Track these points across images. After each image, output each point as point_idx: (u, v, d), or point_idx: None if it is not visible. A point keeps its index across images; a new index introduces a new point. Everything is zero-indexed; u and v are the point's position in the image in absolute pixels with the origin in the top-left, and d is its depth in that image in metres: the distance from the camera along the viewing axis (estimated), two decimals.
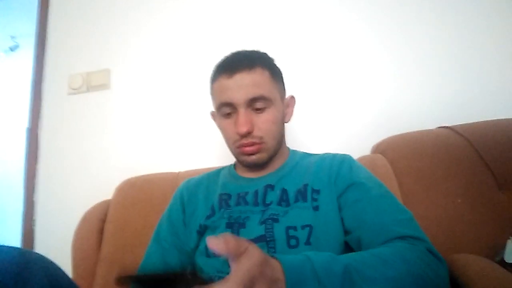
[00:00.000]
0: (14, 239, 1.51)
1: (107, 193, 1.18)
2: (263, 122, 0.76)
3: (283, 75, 0.86)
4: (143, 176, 1.19)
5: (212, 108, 0.85)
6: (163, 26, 1.48)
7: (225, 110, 0.77)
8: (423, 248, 0.60)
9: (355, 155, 0.93)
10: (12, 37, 3.22)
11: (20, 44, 3.25)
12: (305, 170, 0.81)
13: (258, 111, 0.76)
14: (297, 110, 0.89)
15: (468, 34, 1.25)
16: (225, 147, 0.83)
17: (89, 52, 1.53)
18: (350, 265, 0.51)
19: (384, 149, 1.07)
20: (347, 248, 0.71)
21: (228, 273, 0.39)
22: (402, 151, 1.03)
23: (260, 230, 0.70)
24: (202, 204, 0.83)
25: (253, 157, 0.77)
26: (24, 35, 3.08)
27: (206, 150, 1.33)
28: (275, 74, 0.81)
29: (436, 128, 1.08)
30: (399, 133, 1.09)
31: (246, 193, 0.79)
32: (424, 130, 1.07)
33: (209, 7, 1.45)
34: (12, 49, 3.28)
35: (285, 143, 0.88)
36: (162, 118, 1.41)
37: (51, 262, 0.61)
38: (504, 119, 1.02)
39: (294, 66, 1.30)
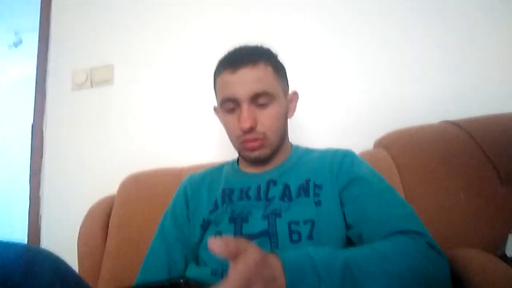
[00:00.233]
0: (20, 235, 1.53)
1: (111, 188, 1.19)
2: (266, 118, 0.76)
3: (286, 71, 0.86)
4: (147, 171, 1.20)
5: (215, 103, 0.85)
6: (167, 21, 1.48)
7: (228, 105, 0.77)
8: (424, 243, 0.60)
9: (357, 150, 0.93)
10: (16, 33, 3.22)
11: (24, 40, 3.25)
12: (308, 165, 0.81)
13: (261, 107, 0.76)
14: (300, 105, 0.89)
15: (471, 27, 1.25)
16: (228, 142, 0.84)
17: (92, 48, 1.53)
18: (350, 260, 0.51)
19: (386, 143, 1.07)
20: (349, 242, 0.71)
21: None
22: (404, 146, 1.03)
23: (262, 225, 0.71)
24: (205, 199, 0.84)
25: (256, 153, 0.78)
26: (27, 30, 3.07)
27: (209, 145, 1.33)
28: (279, 70, 0.80)
29: (439, 122, 1.08)
30: (401, 127, 1.09)
31: (249, 188, 0.79)
32: (426, 125, 1.07)
33: (213, 2, 1.44)
34: (15, 44, 3.28)
35: (288, 138, 0.89)
36: (165, 114, 1.41)
37: (58, 257, 0.62)
38: (507, 113, 1.02)
39: (297, 61, 1.29)
